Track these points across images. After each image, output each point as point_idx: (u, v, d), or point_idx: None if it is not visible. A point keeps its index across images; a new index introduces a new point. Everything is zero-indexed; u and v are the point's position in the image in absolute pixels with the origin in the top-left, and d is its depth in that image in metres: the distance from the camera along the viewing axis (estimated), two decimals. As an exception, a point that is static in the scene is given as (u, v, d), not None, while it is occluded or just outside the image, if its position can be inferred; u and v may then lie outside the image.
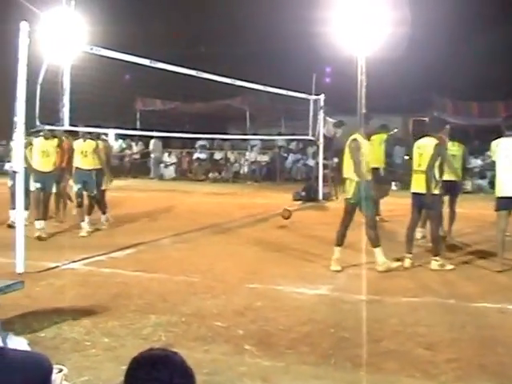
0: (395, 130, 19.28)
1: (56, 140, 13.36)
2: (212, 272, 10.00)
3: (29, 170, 12.25)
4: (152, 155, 31.73)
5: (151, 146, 31.92)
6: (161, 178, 31.05)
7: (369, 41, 24.71)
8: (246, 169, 31.02)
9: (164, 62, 13.05)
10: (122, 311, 7.71)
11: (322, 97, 20.78)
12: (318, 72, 23.53)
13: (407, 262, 10.38)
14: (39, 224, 12.91)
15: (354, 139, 10.35)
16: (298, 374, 5.81)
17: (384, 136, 16.44)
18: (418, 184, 10.44)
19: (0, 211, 14.39)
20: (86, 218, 13.67)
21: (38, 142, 13.07)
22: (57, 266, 10.31)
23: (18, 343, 4.91)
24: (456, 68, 30.24)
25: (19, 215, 9.76)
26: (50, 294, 8.57)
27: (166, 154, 32.23)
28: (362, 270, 9.78)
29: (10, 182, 13.30)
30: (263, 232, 14.37)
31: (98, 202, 14.24)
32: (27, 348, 4.97)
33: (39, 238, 12.68)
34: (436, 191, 10.28)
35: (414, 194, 10.66)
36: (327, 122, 21.14)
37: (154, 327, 7.08)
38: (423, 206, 10.60)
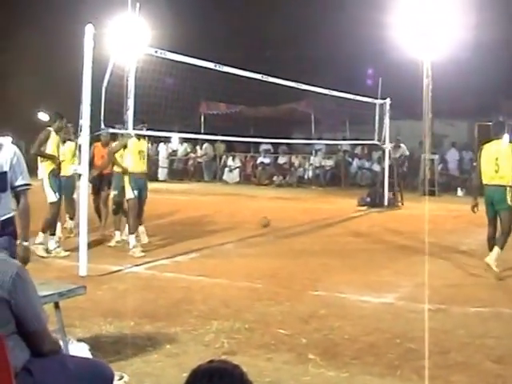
0: None
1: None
2: (276, 278, 9.92)
3: (125, 175, 12.12)
4: (203, 158, 31.91)
5: (203, 150, 32.13)
6: (213, 181, 31.21)
7: (435, 44, 24.42)
8: (310, 173, 30.87)
9: (229, 65, 13.04)
10: (185, 317, 7.66)
11: (387, 101, 20.54)
12: (385, 76, 23.33)
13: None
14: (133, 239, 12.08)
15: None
16: (363, 385, 5.69)
17: None
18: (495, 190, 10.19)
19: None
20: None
21: (132, 142, 12.08)
22: (119, 270, 10.35)
23: (79, 349, 4.90)
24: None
25: (82, 218, 9.78)
26: (112, 297, 8.58)
27: (230, 158, 32.31)
28: (429, 278, 9.54)
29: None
30: (328, 238, 14.24)
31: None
32: (88, 354, 4.97)
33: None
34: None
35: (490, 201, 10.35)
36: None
37: (217, 334, 7.00)
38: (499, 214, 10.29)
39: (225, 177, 31.91)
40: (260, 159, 31.84)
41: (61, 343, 4.56)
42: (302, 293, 8.94)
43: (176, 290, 9.00)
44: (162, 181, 30.34)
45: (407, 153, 21.29)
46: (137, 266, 10.72)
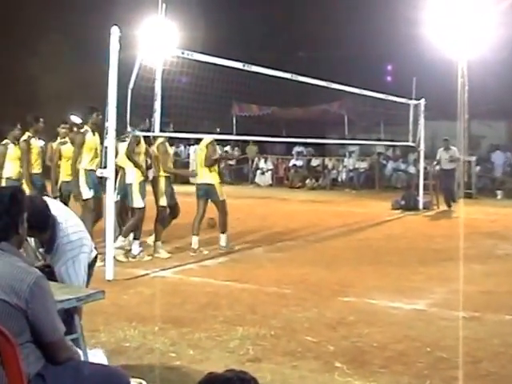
0: None
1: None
2: (305, 283, 9.82)
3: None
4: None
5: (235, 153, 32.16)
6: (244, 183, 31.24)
7: (471, 43, 24.18)
8: (344, 176, 30.73)
9: (257, 65, 12.98)
10: (210, 322, 7.60)
11: (422, 101, 20.34)
12: (419, 76, 23.13)
13: None
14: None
15: None
16: (391, 395, 5.59)
17: None
18: None
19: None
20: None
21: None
22: (146, 274, 10.33)
23: (96, 356, 4.86)
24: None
25: (108, 222, 9.75)
26: (138, 302, 8.56)
27: (263, 161, 32.26)
28: (463, 284, 9.39)
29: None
30: (360, 242, 14.11)
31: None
32: (105, 360, 4.92)
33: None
34: None
35: None
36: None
37: (242, 340, 6.93)
38: None
39: (257, 179, 31.84)
40: (292, 161, 31.75)
41: (79, 350, 4.53)
42: (330, 299, 8.83)
43: (202, 295, 8.94)
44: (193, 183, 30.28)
45: (457, 155, 21.01)
46: (164, 270, 10.69)
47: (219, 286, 9.56)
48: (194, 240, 12.21)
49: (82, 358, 4.53)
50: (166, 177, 12.21)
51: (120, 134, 10.69)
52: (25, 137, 12.45)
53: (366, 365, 6.21)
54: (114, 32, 9.57)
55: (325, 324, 7.58)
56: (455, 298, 8.76)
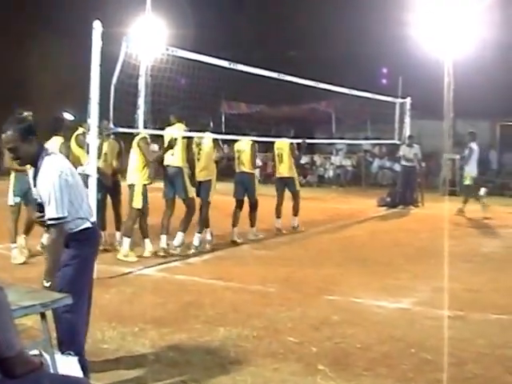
0: None
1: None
2: (290, 281, 9.52)
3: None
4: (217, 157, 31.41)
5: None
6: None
7: (456, 43, 24.00)
8: (331, 173, 30.48)
9: (249, 64, 12.71)
10: (192, 322, 7.29)
11: (408, 100, 20.06)
12: (406, 75, 22.93)
13: None
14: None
15: None
16: (374, 400, 5.29)
17: None
18: None
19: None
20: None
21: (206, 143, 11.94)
22: (130, 272, 10.01)
23: (66, 362, 4.54)
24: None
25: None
26: (119, 301, 8.22)
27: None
28: (448, 282, 9.09)
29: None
30: (346, 239, 13.83)
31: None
32: (77, 367, 4.60)
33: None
34: None
35: None
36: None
37: (223, 341, 6.62)
38: None
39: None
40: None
41: (46, 357, 4.22)
42: (315, 297, 8.52)
43: (185, 294, 8.62)
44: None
45: (419, 153, 20.62)
46: (148, 267, 10.37)
47: (203, 285, 9.25)
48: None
49: (50, 364, 4.22)
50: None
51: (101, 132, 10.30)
52: None
53: (349, 367, 5.91)
54: (97, 27, 9.22)
55: (308, 324, 7.27)
56: (440, 297, 8.49)
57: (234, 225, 13.27)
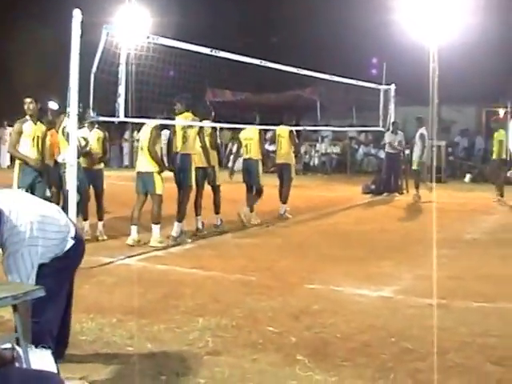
0: None
1: None
2: (271, 270, 9.43)
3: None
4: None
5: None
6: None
7: (441, 28, 23.94)
8: (316, 161, 30.42)
9: (232, 51, 12.60)
10: (171, 313, 7.21)
11: (392, 86, 19.95)
12: (391, 61, 22.84)
13: None
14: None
15: None
16: (352, 390, 5.21)
17: None
18: None
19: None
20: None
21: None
22: (111, 262, 9.91)
23: (40, 356, 4.45)
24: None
25: (71, 209, 9.28)
26: (99, 292, 8.12)
27: (236, 146, 31.80)
28: (431, 269, 9.01)
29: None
30: (330, 226, 13.80)
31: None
32: (51, 361, 4.51)
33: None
34: None
35: None
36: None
37: (202, 331, 6.54)
38: None
39: (230, 164, 31.34)
40: (266, 146, 31.27)
41: (20, 351, 4.14)
42: (296, 286, 8.44)
43: (166, 284, 8.54)
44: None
45: (403, 141, 20.56)
46: (129, 257, 10.27)
47: (184, 274, 9.17)
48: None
49: (23, 358, 4.14)
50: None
51: (81, 120, 10.20)
52: None
53: (329, 357, 5.84)
54: (76, 15, 9.09)
55: (288, 313, 7.18)
56: (422, 285, 8.46)
57: (248, 205, 14.29)
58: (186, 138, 11.89)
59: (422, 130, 18.98)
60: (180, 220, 11.85)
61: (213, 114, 13.33)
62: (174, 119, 12.23)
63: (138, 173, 11.65)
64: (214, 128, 13.04)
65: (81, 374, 5.39)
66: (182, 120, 12.08)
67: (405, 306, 7.53)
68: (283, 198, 15.25)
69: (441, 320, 6.90)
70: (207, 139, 12.60)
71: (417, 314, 7.16)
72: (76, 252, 5.22)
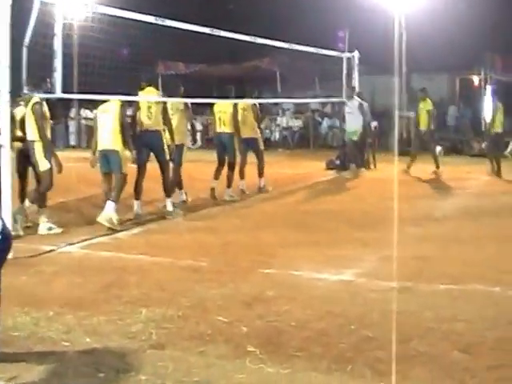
0: None
1: None
2: (224, 255, 9.35)
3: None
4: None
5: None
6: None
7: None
8: (277, 135, 30.36)
9: (185, 21, 12.45)
10: (113, 303, 7.08)
11: (355, 54, 19.85)
12: (355, 29, 22.78)
13: None
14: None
15: None
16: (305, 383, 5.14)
17: None
18: None
19: None
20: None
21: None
22: (52, 250, 9.73)
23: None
24: (509, 22, 29.07)
25: (5, 192, 9.09)
26: (36, 283, 7.97)
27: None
28: (396, 250, 8.95)
29: None
30: (289, 206, 13.74)
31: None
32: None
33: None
34: None
35: None
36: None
37: (146, 323, 6.42)
38: None
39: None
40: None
41: None
42: (250, 271, 8.36)
43: (109, 272, 8.39)
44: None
45: (369, 114, 20.56)
46: (71, 244, 10.10)
47: (129, 261, 9.04)
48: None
49: None
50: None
51: (15, 97, 9.99)
52: None
53: (282, 348, 5.76)
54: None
55: (240, 301, 7.10)
56: (386, 267, 8.35)
57: (216, 178, 14.80)
58: (151, 113, 12.00)
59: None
60: (169, 195, 12.50)
61: (182, 88, 13.59)
62: (135, 95, 12.26)
63: (102, 151, 11.51)
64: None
65: (11, 373, 5.26)
66: (147, 95, 12.16)
67: (366, 290, 7.49)
68: (260, 172, 15.94)
69: (404, 304, 6.84)
70: (181, 115, 13.33)
71: (378, 299, 7.10)
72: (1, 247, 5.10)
